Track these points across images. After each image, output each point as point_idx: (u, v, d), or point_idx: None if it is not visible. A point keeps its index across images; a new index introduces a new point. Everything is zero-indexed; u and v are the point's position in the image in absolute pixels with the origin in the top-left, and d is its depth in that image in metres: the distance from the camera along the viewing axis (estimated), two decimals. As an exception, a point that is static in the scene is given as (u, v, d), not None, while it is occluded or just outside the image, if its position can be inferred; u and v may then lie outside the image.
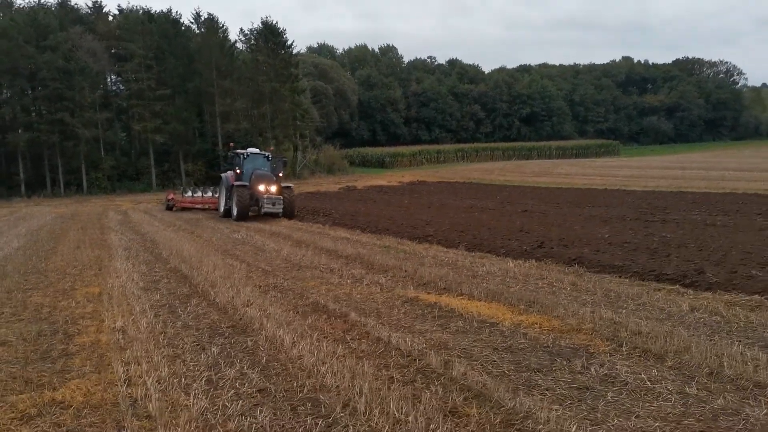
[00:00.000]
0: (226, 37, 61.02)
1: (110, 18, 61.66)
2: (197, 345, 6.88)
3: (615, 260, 11.03)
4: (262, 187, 23.52)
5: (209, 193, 30.95)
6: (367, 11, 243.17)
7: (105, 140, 53.99)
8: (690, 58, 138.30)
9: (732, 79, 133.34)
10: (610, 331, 6.63)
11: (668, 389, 5.06)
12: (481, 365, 5.84)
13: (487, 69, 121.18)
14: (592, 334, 6.65)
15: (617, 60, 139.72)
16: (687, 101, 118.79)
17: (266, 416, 4.79)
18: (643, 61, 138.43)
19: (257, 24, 61.98)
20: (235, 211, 23.52)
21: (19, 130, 49.45)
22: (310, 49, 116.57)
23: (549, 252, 12.56)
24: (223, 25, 60.22)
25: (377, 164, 78.03)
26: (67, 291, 10.30)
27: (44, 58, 48.24)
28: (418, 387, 5.30)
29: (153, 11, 59.82)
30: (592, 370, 5.57)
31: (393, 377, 5.57)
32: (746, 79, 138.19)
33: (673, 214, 20.03)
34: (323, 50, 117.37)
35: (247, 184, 23.83)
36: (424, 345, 6.48)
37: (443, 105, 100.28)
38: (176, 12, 61.48)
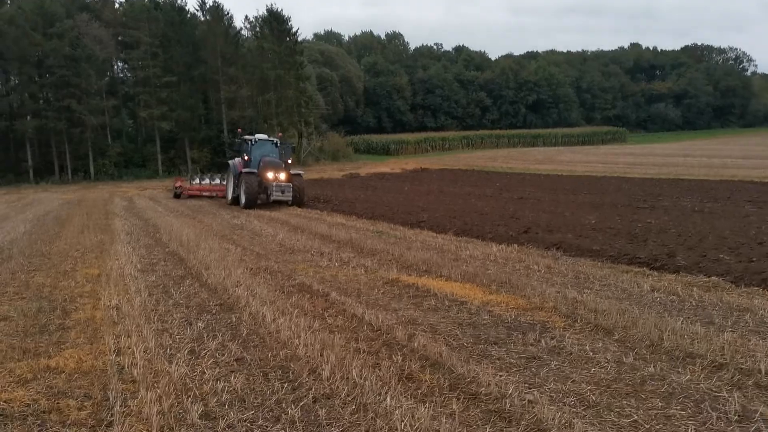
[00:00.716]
0: (231, 25, 61.36)
1: (116, 5, 62.12)
2: (185, 321, 7.37)
3: (594, 245, 11.44)
4: (270, 175, 22.98)
5: (217, 181, 30.33)
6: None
7: (112, 127, 54.68)
8: (699, 44, 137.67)
9: (741, 66, 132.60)
10: (570, 309, 7.08)
11: (607, 359, 5.51)
12: (444, 338, 6.30)
13: (494, 56, 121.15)
14: (552, 311, 7.10)
15: (625, 47, 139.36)
16: (695, 88, 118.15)
17: (239, 381, 5.27)
18: (651, 48, 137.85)
19: (262, 11, 62.23)
20: (243, 199, 23.08)
21: (28, 117, 50.20)
22: (317, 36, 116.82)
23: (533, 237, 12.98)
24: (228, 13, 60.57)
25: (382, 151, 78.39)
26: (68, 272, 10.82)
27: (51, 46, 48.84)
28: (381, 357, 5.77)
29: (158, -1, 60.29)
30: (543, 342, 6.03)
31: (360, 348, 6.04)
32: (756, 65, 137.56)
33: (665, 201, 20.36)
34: (330, 37, 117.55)
35: (255, 171, 23.27)
36: (395, 321, 6.95)
37: (449, 92, 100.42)
38: (182, -1, 61.52)
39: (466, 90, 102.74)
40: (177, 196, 30.08)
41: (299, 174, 24.65)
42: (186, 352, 6.10)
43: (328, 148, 66.60)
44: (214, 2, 60.64)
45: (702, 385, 4.82)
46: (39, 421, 4.55)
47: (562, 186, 29.00)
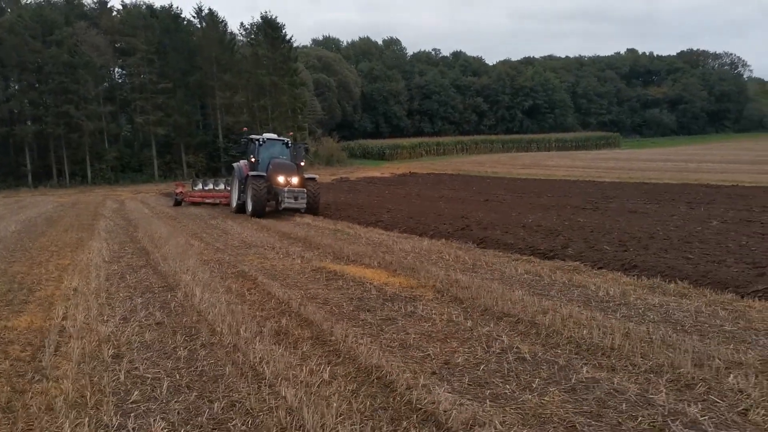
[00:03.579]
0: (226, 32, 63.09)
1: (114, 13, 63.88)
2: (128, 298, 8.82)
3: (510, 239, 12.83)
4: (281, 179, 20.72)
5: (222, 186, 27.88)
6: (371, 3, 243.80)
7: (109, 132, 56.38)
8: (695, 50, 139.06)
9: (737, 71, 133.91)
10: (445, 286, 8.49)
11: (443, 319, 6.93)
12: (329, 308, 7.74)
13: (492, 61, 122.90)
14: (430, 288, 8.53)
15: (622, 52, 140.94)
16: (690, 93, 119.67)
17: (151, 336, 6.73)
18: (648, 53, 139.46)
19: (257, 18, 63.99)
20: (249, 206, 20.99)
21: (28, 123, 51.98)
22: (315, 41, 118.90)
23: (466, 233, 14.36)
24: (222, 20, 62.32)
25: (378, 156, 80.00)
26: (42, 262, 12.31)
27: (50, 53, 50.57)
28: (271, 320, 7.21)
29: (155, 6, 62.13)
30: (403, 309, 7.47)
31: (258, 315, 7.49)
32: (751, 71, 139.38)
33: (613, 203, 21.66)
34: (329, 43, 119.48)
35: (263, 174, 21.01)
36: (299, 296, 8.37)
37: (446, 97, 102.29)
38: (177, 7, 63.41)
39: (462, 95, 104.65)
40: (178, 203, 27.76)
41: (313, 178, 22.21)
42: (118, 318, 7.56)
43: (322, 153, 68.09)
44: (210, 10, 62.37)
45: (494, 333, 6.26)
46: (-12, 358, 6.02)
47: (532, 189, 30.32)
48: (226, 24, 63.42)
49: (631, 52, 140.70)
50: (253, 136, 23.02)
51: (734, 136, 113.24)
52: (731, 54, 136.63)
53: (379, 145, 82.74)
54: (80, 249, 14.25)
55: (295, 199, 20.42)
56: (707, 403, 4.40)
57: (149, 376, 5.43)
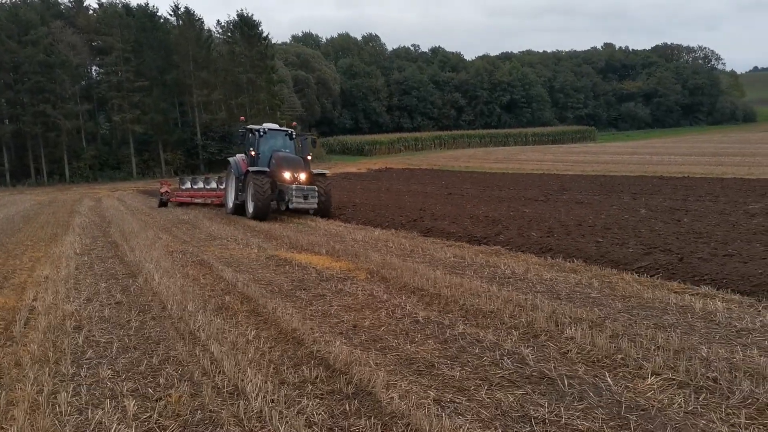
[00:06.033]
0: (202, 30, 63.71)
1: (90, 12, 64.25)
2: (94, 283, 9.80)
3: (453, 229, 13.92)
4: (287, 174, 18.61)
5: (213, 184, 25.21)
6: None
7: (86, 131, 56.89)
8: (669, 44, 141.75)
9: (710, 65, 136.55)
10: (377, 268, 9.56)
11: (365, 294, 8.02)
12: (271, 287, 8.79)
13: (470, 56, 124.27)
14: (364, 270, 9.60)
15: (598, 47, 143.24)
16: (664, 87, 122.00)
17: (110, 312, 7.74)
18: (623, 48, 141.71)
19: (233, 16, 64.67)
20: (251, 207, 18.57)
21: (5, 121, 52.30)
22: (294, 38, 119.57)
23: (416, 224, 15.42)
24: (199, 18, 62.92)
25: (357, 152, 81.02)
26: (18, 255, 13.23)
27: (26, 53, 50.96)
28: (217, 297, 8.25)
29: (131, 5, 62.61)
30: (334, 287, 8.54)
31: (206, 294, 8.52)
32: (724, 64, 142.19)
33: (565, 195, 22.86)
34: (308, 39, 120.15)
35: (266, 169, 18.81)
36: (247, 279, 9.41)
37: (425, 93, 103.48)
38: (153, 6, 63.84)
39: (441, 91, 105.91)
40: (163, 204, 25.62)
41: (323, 173, 19.95)
42: (83, 299, 8.55)
43: (300, 150, 68.79)
44: (186, 8, 62.95)
45: (402, 303, 7.36)
46: (-34, 331, 7.00)
47: (497, 183, 31.50)
48: (202, 22, 64.10)
49: (607, 46, 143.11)
50: (252, 126, 20.58)
51: (707, 128, 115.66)
52: (705, 48, 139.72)
53: (358, 140, 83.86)
54: (54, 243, 15.14)
55: (305, 198, 18.09)
56: (542, 347, 5.54)
57: (103, 340, 6.46)
